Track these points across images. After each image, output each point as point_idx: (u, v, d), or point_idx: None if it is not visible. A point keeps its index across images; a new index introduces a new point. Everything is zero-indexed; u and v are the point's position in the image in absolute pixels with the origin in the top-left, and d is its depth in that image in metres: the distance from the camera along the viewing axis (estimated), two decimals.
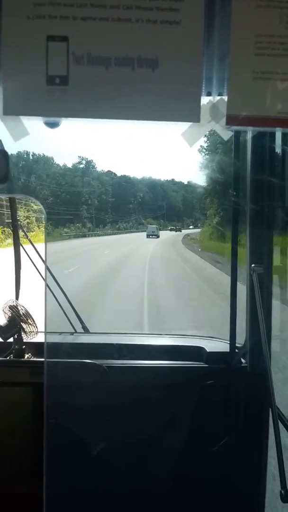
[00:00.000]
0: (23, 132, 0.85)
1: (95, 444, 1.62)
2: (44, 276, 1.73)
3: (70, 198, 31.86)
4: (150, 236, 31.62)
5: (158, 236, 32.19)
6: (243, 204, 1.53)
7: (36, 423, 1.65)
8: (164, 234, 31.99)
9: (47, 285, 1.68)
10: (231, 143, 1.46)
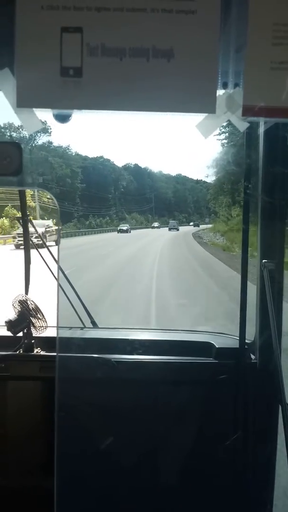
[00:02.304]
0: (36, 124, 0.85)
1: (105, 438, 1.62)
2: (55, 272, 1.73)
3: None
4: (171, 229, 33.59)
5: (178, 229, 33.43)
6: (255, 198, 1.52)
7: (46, 416, 1.66)
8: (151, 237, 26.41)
9: (58, 282, 1.68)
10: (231, 133, 1.43)
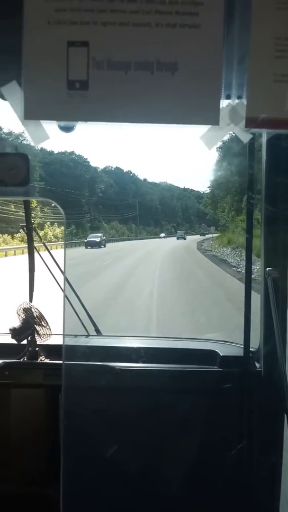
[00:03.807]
0: (43, 136, 0.86)
1: (109, 445, 1.62)
2: (61, 280, 1.74)
3: None
4: (179, 238, 32.11)
5: (185, 239, 31.88)
6: (258, 207, 1.53)
7: (49, 424, 1.66)
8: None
9: (64, 290, 1.69)
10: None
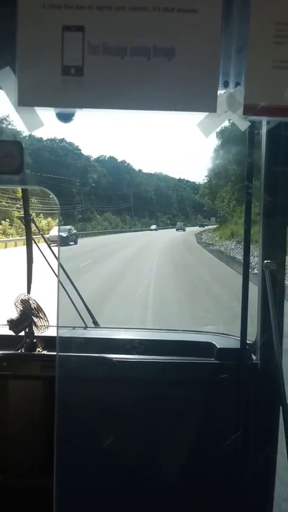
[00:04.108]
0: (38, 123, 0.85)
1: (105, 437, 1.62)
2: (56, 271, 1.74)
3: None
4: (178, 230, 30.85)
5: (184, 230, 30.79)
6: (257, 197, 1.51)
7: (46, 416, 1.66)
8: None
9: (59, 280, 1.68)
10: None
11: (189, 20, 0.79)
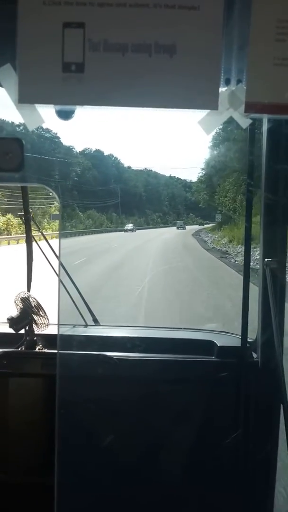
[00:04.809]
0: (38, 120, 0.85)
1: (106, 435, 1.62)
2: (57, 269, 1.73)
3: None
4: (179, 228, 28.87)
5: (184, 228, 28.70)
6: (258, 195, 1.51)
7: (47, 414, 1.66)
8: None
9: (60, 279, 1.68)
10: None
11: (191, 17, 0.78)
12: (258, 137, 1.43)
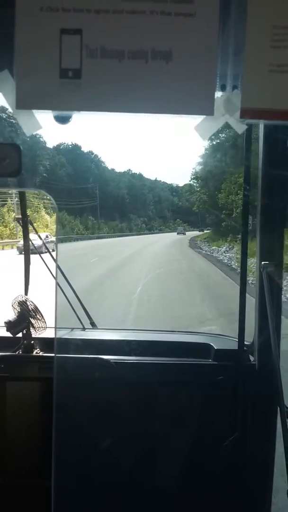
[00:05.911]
0: (36, 126, 0.85)
1: (103, 438, 1.62)
2: (54, 273, 1.74)
3: None
4: (179, 234, 28.41)
5: (184, 234, 28.50)
6: (254, 199, 1.52)
7: (44, 417, 1.66)
8: None
9: (57, 282, 1.68)
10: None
11: (187, 24, 0.79)
12: (254, 142, 1.44)
